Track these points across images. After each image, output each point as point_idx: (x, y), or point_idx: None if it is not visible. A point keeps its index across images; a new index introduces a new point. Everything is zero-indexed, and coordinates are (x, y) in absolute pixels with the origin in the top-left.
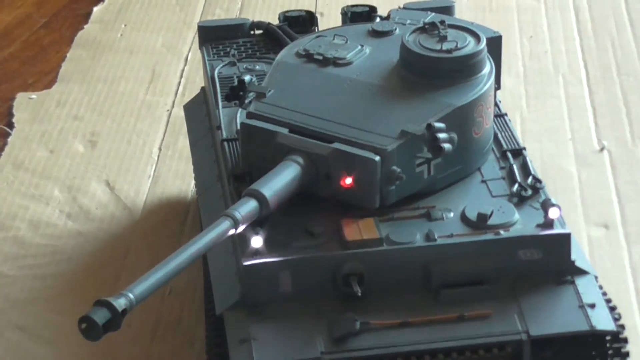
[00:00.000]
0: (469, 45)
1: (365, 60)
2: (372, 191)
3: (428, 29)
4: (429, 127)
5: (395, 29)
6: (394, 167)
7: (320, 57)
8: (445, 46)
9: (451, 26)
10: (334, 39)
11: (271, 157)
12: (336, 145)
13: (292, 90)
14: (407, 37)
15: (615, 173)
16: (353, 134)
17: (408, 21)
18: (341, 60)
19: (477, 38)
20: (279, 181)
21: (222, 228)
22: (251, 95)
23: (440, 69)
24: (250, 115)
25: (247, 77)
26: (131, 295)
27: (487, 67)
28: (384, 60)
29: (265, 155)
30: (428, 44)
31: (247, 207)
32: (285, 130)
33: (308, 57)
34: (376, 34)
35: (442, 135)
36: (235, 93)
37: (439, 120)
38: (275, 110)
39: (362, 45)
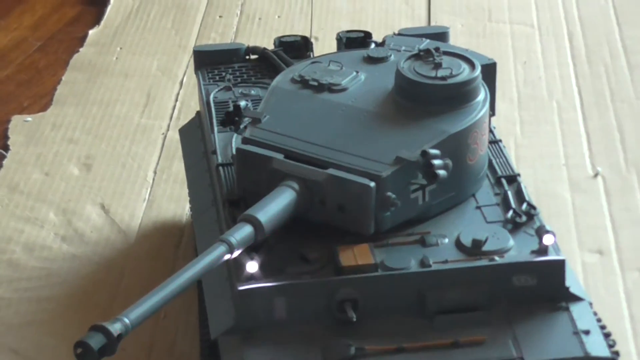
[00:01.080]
0: (464, 72)
1: (360, 87)
2: (366, 217)
3: (423, 55)
4: (424, 153)
5: (391, 55)
6: (389, 193)
7: (316, 83)
8: (440, 73)
9: (446, 53)
10: (329, 65)
11: (266, 182)
12: (331, 171)
13: (287, 116)
14: (402, 64)
15: (610, 199)
16: (348, 160)
17: (403, 47)
18: (336, 87)
19: (472, 65)
20: (274, 206)
21: (218, 253)
22: (246, 120)
23: (434, 95)
24: (245, 141)
25: (242, 103)
26: (127, 320)
27: (482, 94)
28: (379, 86)
29: (260, 181)
30: (423, 70)
31: (242, 232)
32: (280, 156)
33: (303, 83)
34: (371, 60)
35: (437, 162)
36: (231, 118)
37: (434, 147)
38: (271, 136)
39: (357, 72)
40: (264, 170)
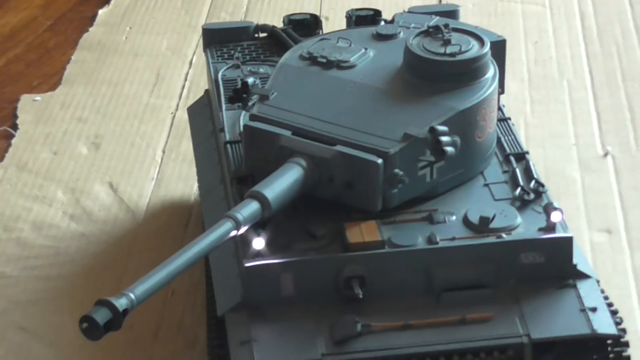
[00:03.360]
0: (473, 48)
1: (368, 64)
2: (374, 194)
3: (432, 32)
4: (432, 130)
5: (400, 33)
6: (397, 170)
7: (324, 60)
8: (449, 50)
9: (455, 30)
10: (337, 42)
11: (274, 159)
12: (339, 148)
13: (295, 93)
14: (411, 40)
15: (619, 178)
16: (356, 137)
17: (412, 25)
18: (345, 63)
19: (481, 42)
20: (281, 183)
21: (224, 229)
22: (254, 97)
23: (443, 72)
24: (253, 118)
25: (250, 80)
26: (132, 295)
27: (491, 71)
28: (387, 63)
29: (268, 157)
30: (432, 47)
31: (249, 209)
32: (288, 133)
33: (312, 59)
34: (380, 37)
35: (444, 139)
36: (239, 95)
37: (442, 124)
38: (279, 113)
39: (365, 49)
40: (271, 147)
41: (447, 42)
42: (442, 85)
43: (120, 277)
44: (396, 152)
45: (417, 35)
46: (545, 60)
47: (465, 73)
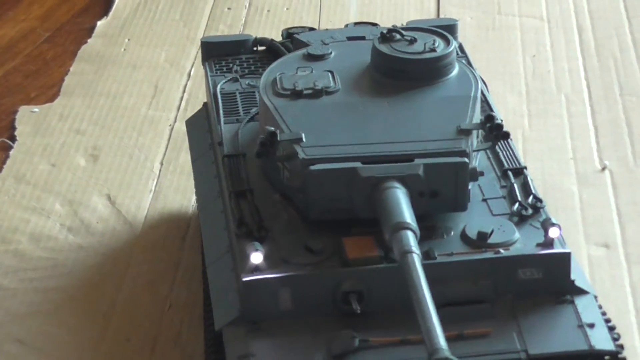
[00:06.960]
0: (440, 43)
1: (345, 85)
2: (464, 194)
3: (390, 37)
4: (490, 117)
5: (330, 52)
6: (474, 165)
7: (311, 91)
8: (428, 46)
9: (408, 29)
10: (297, 72)
11: (350, 194)
12: (419, 161)
13: (320, 127)
14: (378, 47)
15: (617, 193)
16: (422, 147)
17: (328, 40)
18: (329, 89)
19: (442, 37)
20: (407, 209)
21: (419, 265)
22: (284, 145)
23: (430, 69)
24: (308, 162)
25: (270, 129)
26: (444, 346)
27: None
28: (359, 79)
29: (340, 196)
30: (403, 48)
31: (413, 240)
32: (358, 164)
33: (296, 94)
34: (313, 57)
35: (502, 122)
36: (266, 149)
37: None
38: (328, 150)
39: (331, 72)
40: (344, 184)
41: (413, 42)
42: (423, 82)
43: (117, 289)
44: (468, 148)
45: (379, 42)
46: (543, 74)
47: (446, 65)
